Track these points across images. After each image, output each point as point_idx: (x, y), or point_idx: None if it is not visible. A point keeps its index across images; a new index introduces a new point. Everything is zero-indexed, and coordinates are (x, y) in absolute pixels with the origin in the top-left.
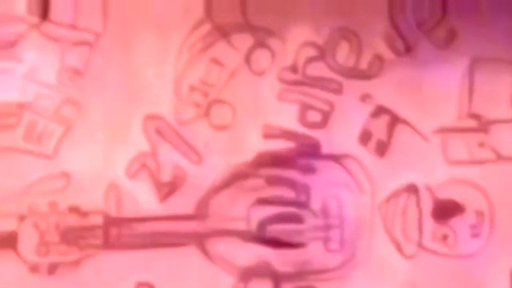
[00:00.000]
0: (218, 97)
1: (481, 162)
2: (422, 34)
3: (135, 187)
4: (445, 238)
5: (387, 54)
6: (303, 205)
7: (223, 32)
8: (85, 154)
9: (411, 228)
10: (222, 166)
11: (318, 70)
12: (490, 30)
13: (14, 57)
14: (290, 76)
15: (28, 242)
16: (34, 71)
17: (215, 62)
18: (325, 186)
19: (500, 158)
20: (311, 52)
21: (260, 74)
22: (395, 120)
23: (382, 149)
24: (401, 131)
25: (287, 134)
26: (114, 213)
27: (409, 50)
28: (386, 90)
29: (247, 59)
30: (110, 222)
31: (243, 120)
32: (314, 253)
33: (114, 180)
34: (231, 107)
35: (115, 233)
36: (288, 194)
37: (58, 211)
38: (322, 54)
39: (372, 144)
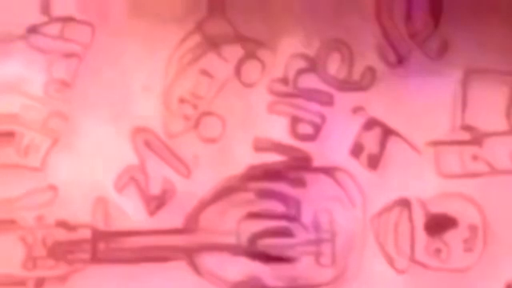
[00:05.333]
0: (208, 109)
1: (474, 176)
2: (415, 45)
3: (123, 201)
4: (438, 252)
5: (379, 65)
6: (294, 219)
7: (213, 43)
8: (72, 167)
9: (403, 242)
10: (212, 180)
11: (309, 81)
12: (483, 41)
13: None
14: (281, 88)
15: (15, 256)
16: (21, 83)
17: (205, 73)
18: (316, 199)
19: (494, 171)
20: (302, 64)
21: (250, 85)
22: (387, 132)
23: (374, 162)
24: (393, 144)
25: (278, 147)
26: (102, 227)
27: (401, 61)
28: (378, 102)
29: (237, 71)
30: (98, 236)
31: (233, 133)
32: (305, 267)
33: (102, 193)
34: (221, 119)
35: (103, 247)
36: (279, 207)
37: (45, 225)
38: (313, 65)
39: (364, 157)
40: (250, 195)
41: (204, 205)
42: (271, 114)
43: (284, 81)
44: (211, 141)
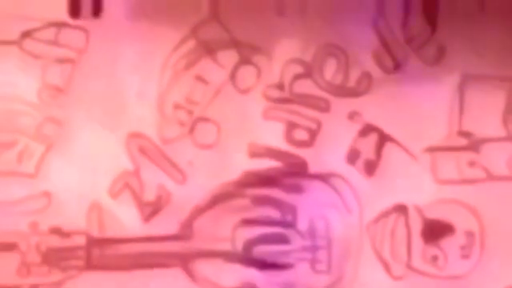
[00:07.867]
0: (203, 115)
1: (471, 182)
2: (411, 50)
3: (118, 207)
4: (434, 258)
5: (376, 71)
6: (290, 225)
7: (208, 48)
8: (66, 173)
9: (400, 249)
10: (207, 186)
11: (305, 87)
12: (480, 46)
13: None
14: (277, 93)
15: (9, 263)
16: (15, 89)
17: (200, 79)
18: (312, 205)
19: (491, 177)
20: (298, 69)
21: (245, 91)
22: (384, 138)
23: (370, 168)
24: (389, 150)
25: (273, 153)
26: (96, 233)
27: (398, 66)
28: (375, 107)
29: (232, 76)
30: (93, 242)
31: (228, 138)
32: (301, 274)
33: (97, 200)
34: (216, 125)
35: (98, 254)
36: (274, 214)
37: (39, 232)
38: (309, 71)
39: (360, 163)
40: (246, 201)
41: (199, 211)
42: (267, 119)
43: (280, 86)
44: (206, 147)
